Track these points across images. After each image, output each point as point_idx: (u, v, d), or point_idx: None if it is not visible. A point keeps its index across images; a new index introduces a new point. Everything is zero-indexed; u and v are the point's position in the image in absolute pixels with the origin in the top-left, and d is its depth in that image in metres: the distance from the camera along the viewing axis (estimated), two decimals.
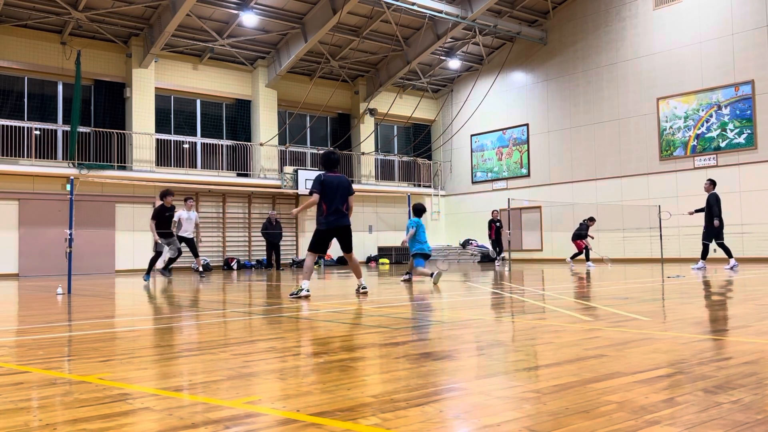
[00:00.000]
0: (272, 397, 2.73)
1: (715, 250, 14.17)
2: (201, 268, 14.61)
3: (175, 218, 13.39)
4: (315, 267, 21.94)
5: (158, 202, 13.74)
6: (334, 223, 8.08)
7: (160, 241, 13.26)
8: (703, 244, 13.94)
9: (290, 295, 8.05)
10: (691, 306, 6.51)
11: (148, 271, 13.42)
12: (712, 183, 14.27)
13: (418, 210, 11.06)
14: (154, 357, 3.84)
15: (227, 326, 5.49)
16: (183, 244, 13.69)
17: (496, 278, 12.25)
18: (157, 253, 13.47)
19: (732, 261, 13.70)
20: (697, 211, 14.35)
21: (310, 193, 8.06)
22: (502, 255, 20.17)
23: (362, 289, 8.33)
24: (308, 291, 7.91)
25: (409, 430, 2.16)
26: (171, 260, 13.68)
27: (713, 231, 13.74)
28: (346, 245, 8.34)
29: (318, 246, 8.23)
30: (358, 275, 8.47)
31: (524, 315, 5.90)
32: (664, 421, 2.20)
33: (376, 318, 5.76)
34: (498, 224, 20.04)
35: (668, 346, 3.89)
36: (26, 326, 5.85)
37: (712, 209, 13.72)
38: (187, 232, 13.72)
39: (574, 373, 3.02)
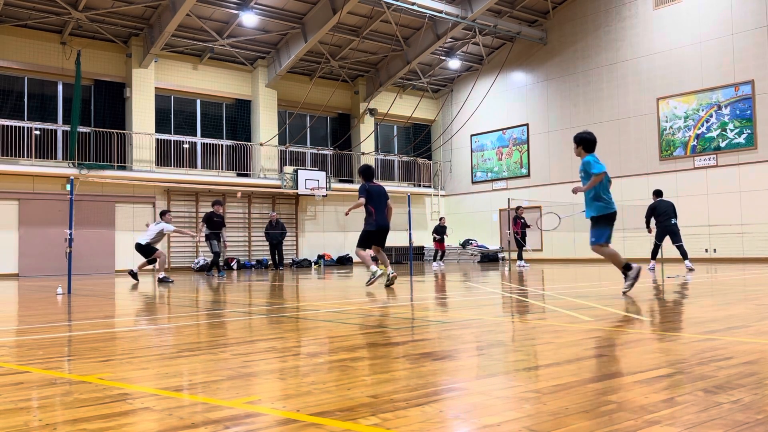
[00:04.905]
0: (272, 397, 2.73)
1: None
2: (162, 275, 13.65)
3: (167, 231, 13.65)
4: (315, 267, 22.01)
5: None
6: (381, 224, 9.61)
7: (207, 242, 15.76)
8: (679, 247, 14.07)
9: (366, 284, 9.58)
10: (690, 306, 6.51)
11: (219, 269, 16.33)
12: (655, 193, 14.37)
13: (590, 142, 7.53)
14: (154, 357, 3.84)
15: (227, 326, 5.49)
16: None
17: (504, 278, 12.24)
18: (215, 254, 15.94)
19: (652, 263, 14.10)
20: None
21: (359, 198, 9.65)
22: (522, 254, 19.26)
23: (391, 274, 9.49)
24: (379, 271, 9.45)
25: (409, 430, 2.16)
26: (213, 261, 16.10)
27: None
28: (383, 242, 9.84)
29: (366, 243, 9.69)
30: (387, 265, 9.73)
31: (524, 315, 5.90)
32: (664, 421, 2.20)
33: (376, 318, 5.76)
34: (522, 221, 19.15)
35: (668, 346, 3.89)
36: (26, 326, 5.85)
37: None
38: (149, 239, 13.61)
39: (574, 373, 3.02)
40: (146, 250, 13.47)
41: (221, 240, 15.94)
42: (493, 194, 25.66)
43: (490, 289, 9.26)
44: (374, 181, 9.89)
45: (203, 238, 15.90)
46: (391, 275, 9.50)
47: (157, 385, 2.99)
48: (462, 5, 21.57)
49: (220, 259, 16.05)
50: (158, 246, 13.72)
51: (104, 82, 20.70)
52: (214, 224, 15.76)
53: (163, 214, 14.02)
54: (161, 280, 12.97)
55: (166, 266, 13.73)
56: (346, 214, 10.24)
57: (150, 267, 14.04)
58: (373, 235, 9.66)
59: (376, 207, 9.57)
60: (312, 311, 6.62)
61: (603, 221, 7.38)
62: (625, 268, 7.35)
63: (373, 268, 9.47)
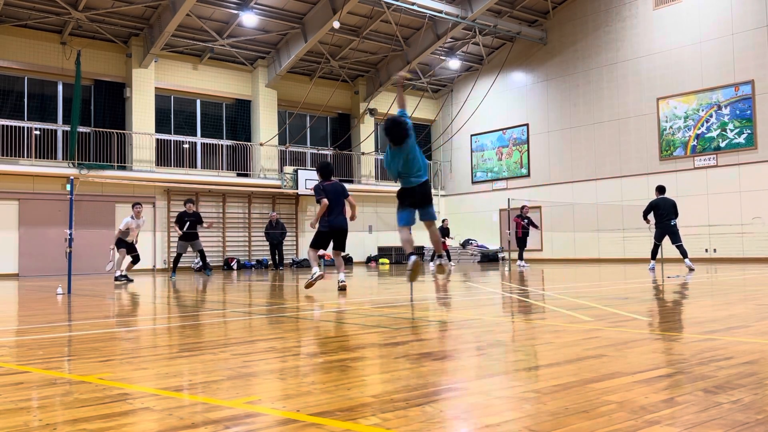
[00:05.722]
0: (272, 397, 2.73)
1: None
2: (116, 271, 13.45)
3: (122, 227, 13.18)
4: None
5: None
6: (335, 225, 8.97)
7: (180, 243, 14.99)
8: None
9: (305, 286, 8.95)
10: (690, 306, 6.51)
11: (173, 270, 15.48)
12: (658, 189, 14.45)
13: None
14: (154, 357, 3.84)
15: (227, 326, 5.49)
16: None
17: (503, 279, 12.24)
18: (179, 255, 15.18)
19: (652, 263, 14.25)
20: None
21: (318, 201, 8.93)
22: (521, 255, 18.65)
23: (340, 282, 8.99)
24: (321, 272, 8.92)
25: (409, 430, 2.16)
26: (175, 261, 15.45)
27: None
28: (341, 245, 9.22)
29: (318, 244, 9.11)
30: (340, 270, 9.28)
31: (524, 315, 5.90)
32: (664, 421, 2.20)
33: (376, 318, 5.75)
34: (525, 221, 18.58)
35: (668, 346, 3.89)
36: (26, 326, 5.85)
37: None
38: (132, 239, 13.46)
39: (574, 373, 3.02)
40: (117, 245, 13.01)
41: (197, 238, 15.01)
42: (493, 194, 25.64)
43: (490, 289, 9.26)
44: (332, 179, 9.24)
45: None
46: (341, 282, 8.97)
47: (157, 385, 2.99)
48: (462, 5, 21.57)
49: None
50: (136, 240, 13.22)
51: (104, 82, 20.70)
52: (186, 224, 14.99)
53: (132, 206, 13.41)
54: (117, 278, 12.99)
55: (123, 268, 13.06)
56: (312, 226, 9.23)
57: (135, 267, 13.78)
58: (326, 236, 9.04)
59: (330, 208, 8.97)
60: (312, 311, 6.62)
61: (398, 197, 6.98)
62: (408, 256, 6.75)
63: (315, 269, 8.94)
